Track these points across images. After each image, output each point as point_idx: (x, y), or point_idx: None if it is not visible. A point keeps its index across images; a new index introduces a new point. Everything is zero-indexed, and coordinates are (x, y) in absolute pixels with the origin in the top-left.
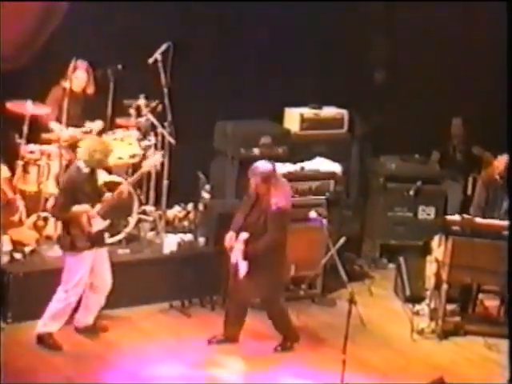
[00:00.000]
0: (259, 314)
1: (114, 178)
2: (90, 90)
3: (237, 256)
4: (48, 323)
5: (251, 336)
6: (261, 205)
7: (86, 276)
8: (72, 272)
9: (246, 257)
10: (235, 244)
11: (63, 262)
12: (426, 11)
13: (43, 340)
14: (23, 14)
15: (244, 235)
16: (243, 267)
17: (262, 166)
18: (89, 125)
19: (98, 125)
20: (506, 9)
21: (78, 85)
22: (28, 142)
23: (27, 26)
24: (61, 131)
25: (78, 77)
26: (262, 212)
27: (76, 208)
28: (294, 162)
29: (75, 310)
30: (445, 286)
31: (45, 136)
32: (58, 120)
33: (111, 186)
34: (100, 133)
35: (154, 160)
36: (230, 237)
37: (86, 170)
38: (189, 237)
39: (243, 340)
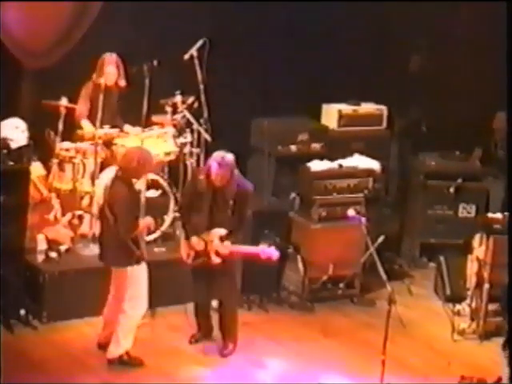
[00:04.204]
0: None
1: (149, 175)
2: (122, 83)
3: (223, 253)
4: (122, 343)
5: (294, 336)
6: (223, 196)
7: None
8: (137, 284)
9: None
10: (213, 243)
11: (121, 275)
12: (467, 7)
13: (122, 360)
14: (57, 10)
15: (221, 231)
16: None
17: (228, 156)
18: (128, 128)
19: (137, 131)
20: (506, 9)
21: (109, 79)
22: (63, 139)
23: (61, 22)
24: (90, 130)
25: (109, 71)
26: (226, 202)
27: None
28: (332, 160)
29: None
30: (486, 286)
31: (78, 133)
32: (91, 116)
33: (147, 184)
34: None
35: None
36: (197, 243)
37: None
38: None
39: (281, 340)
